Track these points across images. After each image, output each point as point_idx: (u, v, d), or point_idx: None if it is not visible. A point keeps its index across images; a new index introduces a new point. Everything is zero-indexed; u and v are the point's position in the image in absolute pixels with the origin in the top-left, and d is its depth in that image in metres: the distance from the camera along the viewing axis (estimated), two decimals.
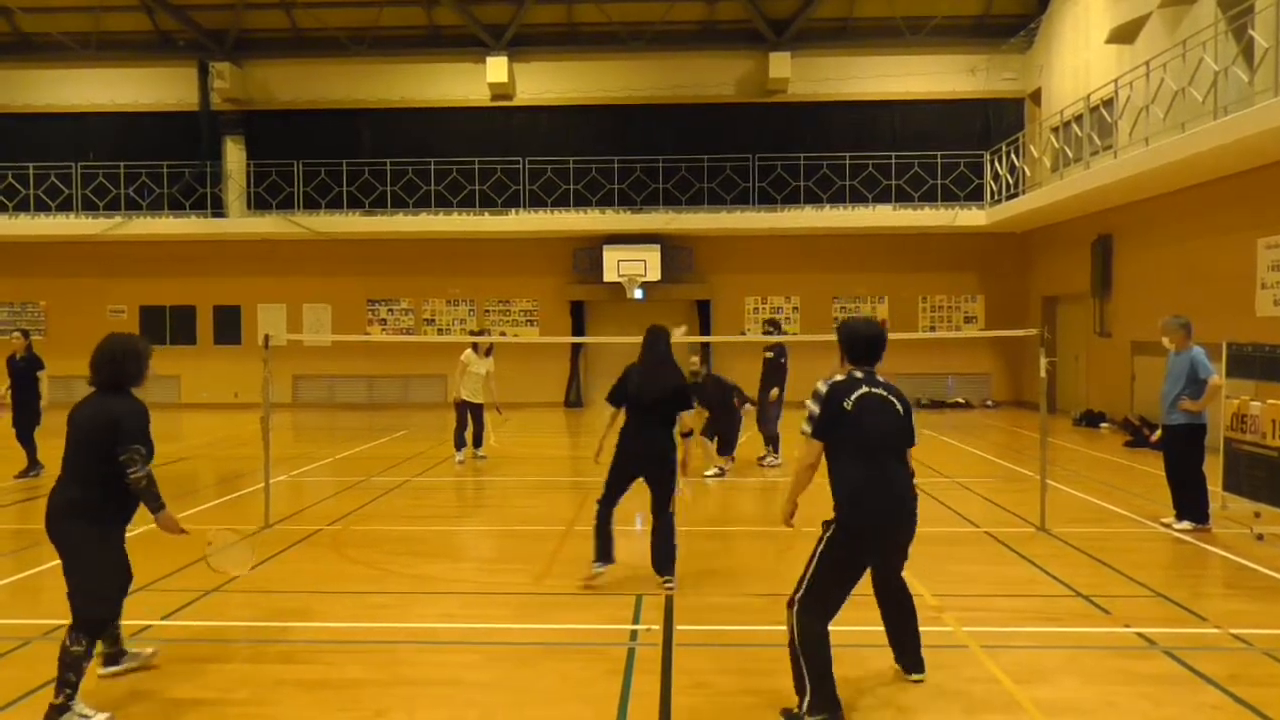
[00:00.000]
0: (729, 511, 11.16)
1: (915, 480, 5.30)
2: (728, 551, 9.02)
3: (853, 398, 5.08)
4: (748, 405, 13.56)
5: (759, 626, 6.72)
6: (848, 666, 5.83)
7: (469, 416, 14.57)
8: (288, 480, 13.09)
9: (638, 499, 7.78)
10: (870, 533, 5.10)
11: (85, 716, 4.99)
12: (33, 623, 6.68)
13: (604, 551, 7.60)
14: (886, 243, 24.62)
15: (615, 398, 7.66)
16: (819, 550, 5.13)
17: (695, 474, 13.02)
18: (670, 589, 7.40)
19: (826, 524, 5.15)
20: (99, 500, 5.20)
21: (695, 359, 13.71)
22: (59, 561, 5.28)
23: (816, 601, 5.06)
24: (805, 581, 5.13)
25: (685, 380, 7.73)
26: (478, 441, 14.77)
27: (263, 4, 25.13)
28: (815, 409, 5.11)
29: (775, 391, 13.98)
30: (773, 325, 16.23)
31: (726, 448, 13.30)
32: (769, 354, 14.26)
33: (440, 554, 9.04)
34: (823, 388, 5.15)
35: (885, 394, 5.17)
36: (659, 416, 7.50)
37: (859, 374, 5.23)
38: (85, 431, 5.25)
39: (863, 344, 5.29)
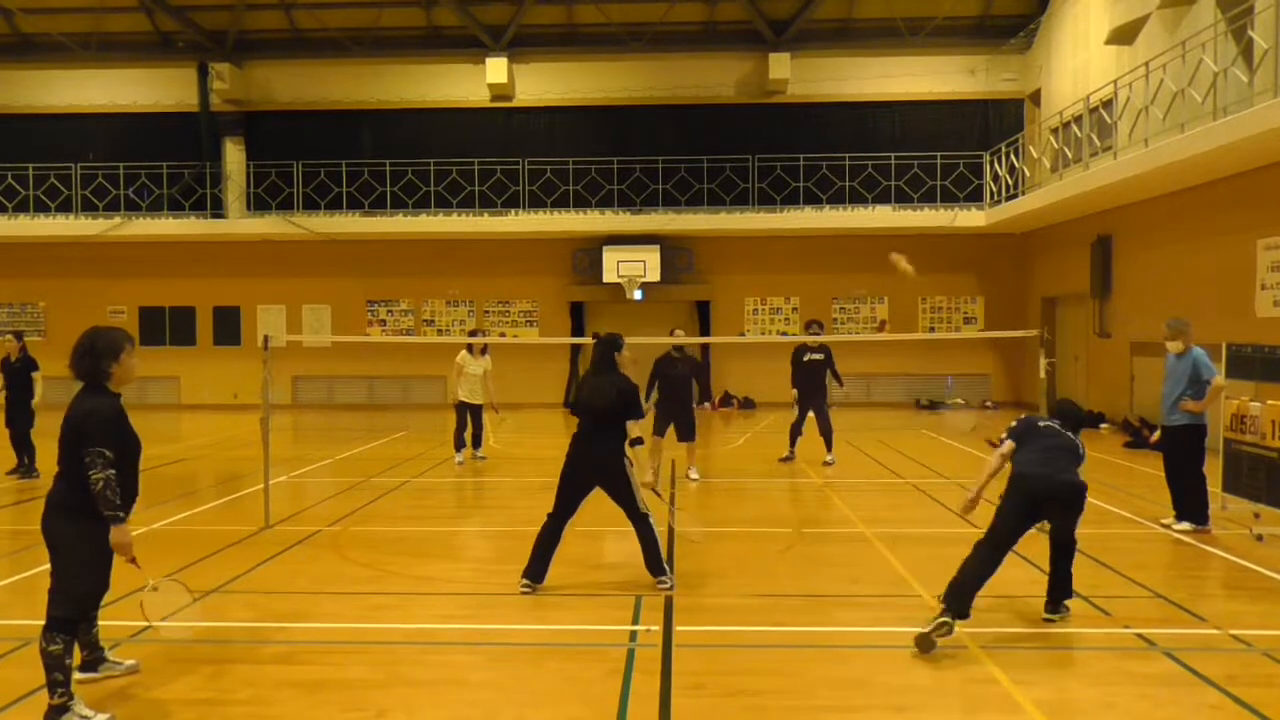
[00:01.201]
0: (729, 512, 11.16)
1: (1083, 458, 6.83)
2: (728, 552, 9.02)
3: (1040, 424, 7.03)
4: (705, 405, 13.30)
5: (759, 627, 6.73)
6: (849, 666, 5.85)
7: (468, 417, 14.59)
8: (287, 481, 13.08)
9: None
10: (1029, 493, 6.57)
11: (85, 717, 4.98)
12: (33, 623, 6.66)
13: (538, 570, 7.38)
14: (886, 243, 24.37)
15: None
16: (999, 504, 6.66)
17: (704, 473, 12.99)
18: (666, 588, 7.40)
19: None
20: (78, 497, 5.09)
21: (681, 331, 13.27)
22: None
23: (989, 537, 6.50)
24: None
25: (631, 387, 7.59)
26: (477, 442, 14.78)
27: (263, 5, 25.14)
28: (1014, 423, 7.07)
29: (840, 390, 14.21)
30: (818, 325, 15.16)
31: (689, 434, 12.60)
32: (819, 355, 14.07)
33: (440, 554, 9.05)
34: (1023, 414, 7.33)
35: (1057, 425, 6.99)
36: (608, 424, 7.45)
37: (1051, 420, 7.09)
38: (63, 429, 5.19)
39: (1055, 411, 7.24)
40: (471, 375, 14.51)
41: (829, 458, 14.14)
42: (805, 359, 14.15)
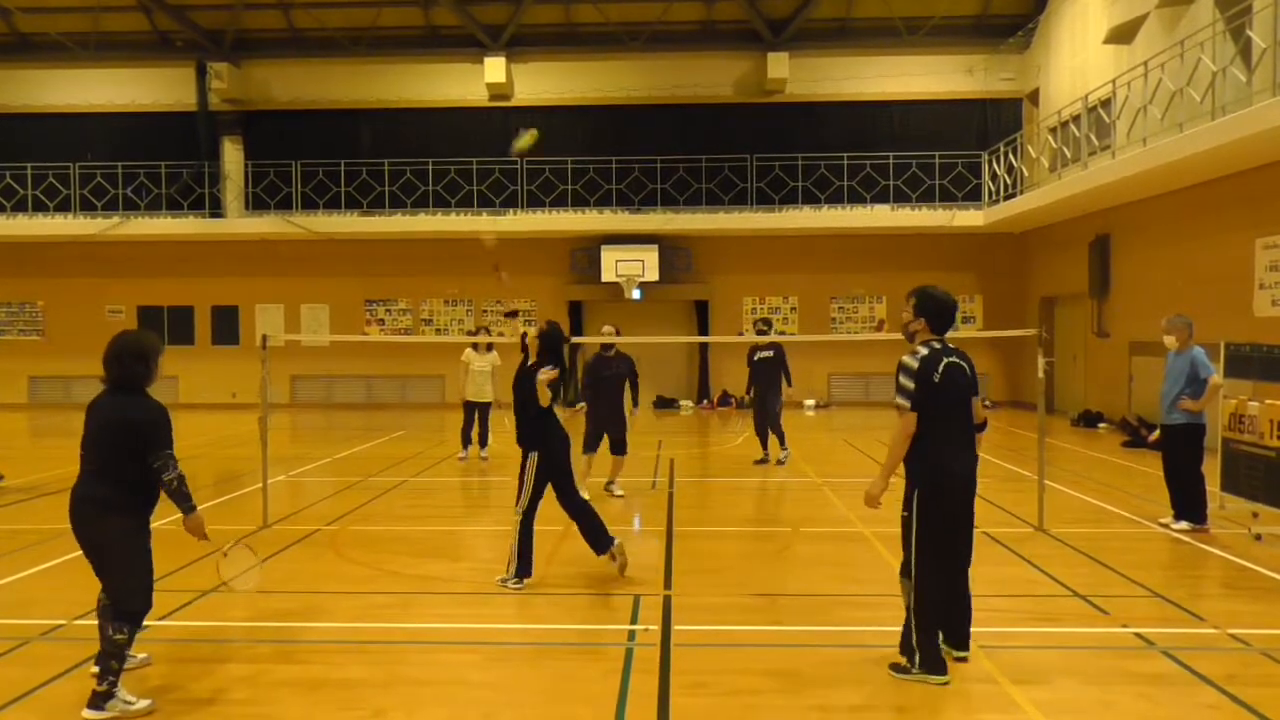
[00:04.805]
0: (727, 511, 11.16)
1: (985, 433, 5.81)
2: (726, 551, 9.03)
3: (939, 370, 5.43)
4: (635, 413, 11.61)
5: (758, 626, 6.73)
6: (849, 666, 5.84)
7: (475, 415, 14.66)
8: (286, 480, 13.08)
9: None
10: (951, 496, 5.50)
11: (128, 703, 5.17)
12: (32, 623, 6.68)
13: (529, 565, 7.58)
14: (884, 243, 24.64)
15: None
16: (915, 527, 5.50)
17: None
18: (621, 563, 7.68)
19: (909, 501, 5.52)
20: (130, 496, 5.31)
21: (610, 328, 11.83)
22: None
23: (928, 570, 5.47)
24: (912, 555, 5.53)
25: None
26: (483, 441, 14.81)
27: (261, 4, 25.13)
28: (910, 384, 5.40)
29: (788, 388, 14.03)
30: (765, 324, 15.46)
31: (621, 448, 11.40)
32: (769, 353, 14.14)
33: (439, 554, 9.04)
34: (913, 362, 5.44)
35: (959, 361, 5.53)
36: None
37: (937, 344, 5.52)
38: (109, 433, 5.30)
39: (948, 312, 5.61)
40: (478, 372, 14.58)
41: (781, 454, 14.12)
42: (756, 358, 14.18)
